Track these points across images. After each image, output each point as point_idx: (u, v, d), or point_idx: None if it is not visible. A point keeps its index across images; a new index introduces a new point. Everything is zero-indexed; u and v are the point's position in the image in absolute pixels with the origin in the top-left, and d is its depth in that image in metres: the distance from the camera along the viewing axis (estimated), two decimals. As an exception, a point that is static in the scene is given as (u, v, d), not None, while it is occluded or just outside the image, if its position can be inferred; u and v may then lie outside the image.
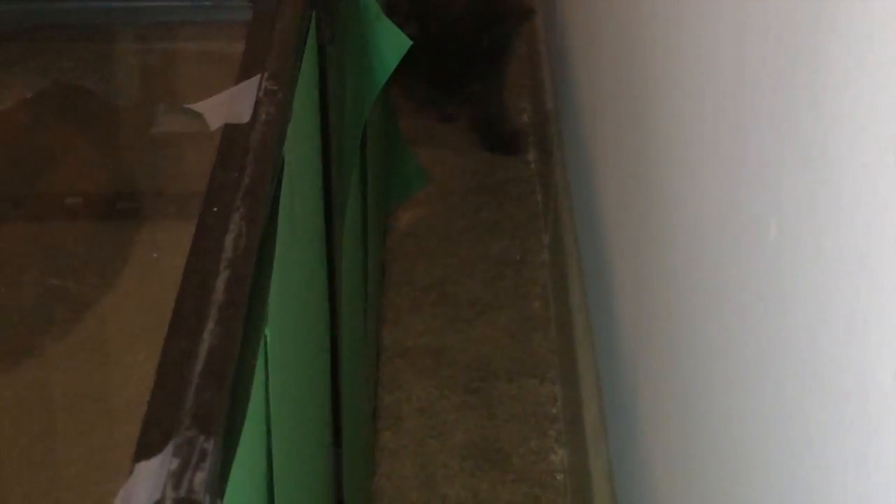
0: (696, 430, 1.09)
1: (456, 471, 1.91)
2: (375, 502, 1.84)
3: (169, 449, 0.72)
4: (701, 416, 1.06)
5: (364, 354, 1.75)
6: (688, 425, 1.12)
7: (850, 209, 0.68)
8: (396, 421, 2.02)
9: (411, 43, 1.49)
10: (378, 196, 2.03)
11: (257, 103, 1.04)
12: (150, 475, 0.71)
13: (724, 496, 0.97)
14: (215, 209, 0.93)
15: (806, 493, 0.75)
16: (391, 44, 1.50)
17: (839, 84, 0.70)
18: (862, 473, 0.65)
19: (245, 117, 1.03)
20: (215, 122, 1.05)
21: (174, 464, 0.71)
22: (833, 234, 0.71)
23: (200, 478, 0.70)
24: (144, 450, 0.73)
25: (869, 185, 0.65)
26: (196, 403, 0.75)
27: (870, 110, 0.65)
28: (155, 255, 1.04)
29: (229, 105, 1.06)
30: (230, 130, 1.02)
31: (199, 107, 1.08)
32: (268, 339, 0.88)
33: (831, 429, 0.70)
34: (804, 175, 0.76)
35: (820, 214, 0.73)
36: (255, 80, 1.07)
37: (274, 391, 0.89)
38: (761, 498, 0.86)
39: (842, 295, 0.69)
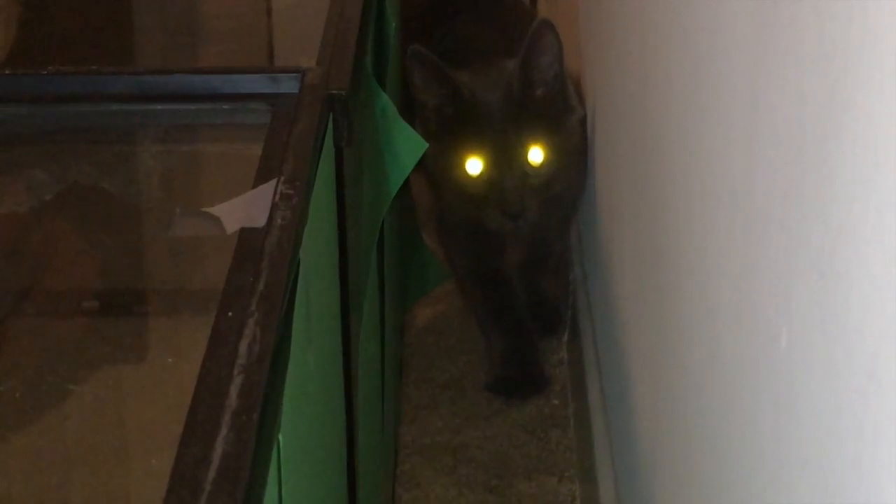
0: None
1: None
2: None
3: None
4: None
5: (381, 453, 1.75)
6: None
7: (859, 323, 0.68)
8: (414, 520, 2.02)
9: (427, 145, 1.51)
10: (395, 294, 2.04)
11: (273, 207, 1.05)
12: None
13: None
14: (230, 314, 0.94)
15: None
16: (408, 146, 1.52)
17: (846, 197, 0.70)
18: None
19: (261, 221, 1.04)
20: (232, 225, 1.06)
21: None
22: (843, 347, 0.71)
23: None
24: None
25: (878, 300, 0.65)
26: (208, 512, 0.76)
27: (876, 224, 0.65)
28: (169, 358, 1.04)
29: (246, 209, 1.07)
30: (246, 234, 1.03)
31: (216, 210, 1.09)
32: (281, 444, 0.88)
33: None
34: (814, 286, 0.76)
35: (830, 326, 0.73)
36: (272, 183, 1.08)
37: (287, 497, 0.89)
38: None
39: (852, 408, 0.69)
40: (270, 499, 0.84)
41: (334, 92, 1.25)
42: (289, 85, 1.27)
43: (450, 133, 2.06)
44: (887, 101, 0.63)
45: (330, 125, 1.24)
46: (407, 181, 1.61)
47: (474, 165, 2.03)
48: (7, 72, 1.33)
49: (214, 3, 1.75)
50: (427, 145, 1.52)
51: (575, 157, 2.10)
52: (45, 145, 1.29)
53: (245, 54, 1.56)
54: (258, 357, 0.89)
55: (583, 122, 2.11)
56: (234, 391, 0.85)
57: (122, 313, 1.17)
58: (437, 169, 2.11)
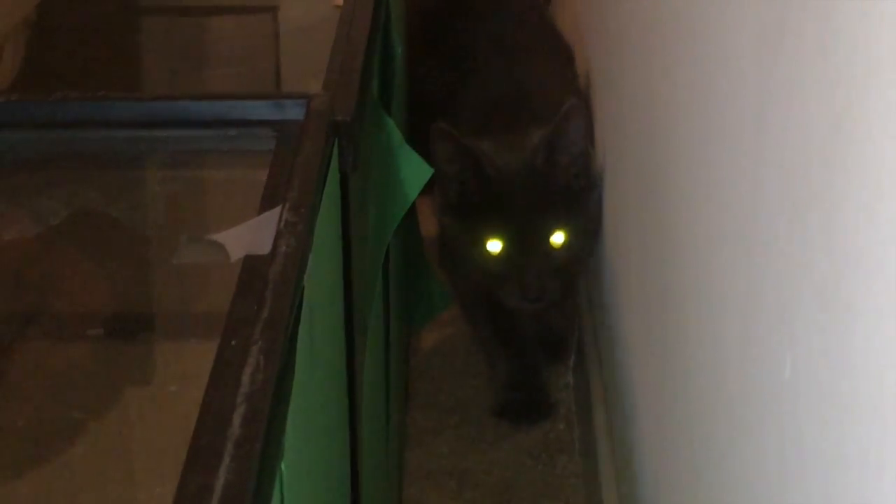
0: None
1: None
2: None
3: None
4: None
5: (386, 478, 1.74)
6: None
7: (862, 354, 0.68)
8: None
9: (433, 171, 1.51)
10: (400, 318, 2.04)
11: (278, 234, 1.05)
12: None
13: None
14: (233, 342, 0.94)
15: None
16: (413, 172, 1.52)
17: (851, 227, 0.70)
18: None
19: (266, 248, 1.04)
20: (236, 252, 1.06)
21: None
22: (847, 377, 0.71)
23: None
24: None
25: (881, 330, 0.65)
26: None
27: (880, 255, 0.65)
28: (173, 387, 1.04)
29: (250, 235, 1.07)
30: (250, 261, 1.03)
31: (220, 237, 1.09)
32: (284, 473, 0.88)
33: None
34: (818, 316, 0.76)
35: (833, 356, 0.73)
36: (276, 210, 1.08)
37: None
38: None
39: (856, 438, 0.69)
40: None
41: (339, 118, 1.25)
42: (294, 111, 1.28)
43: (471, 209, 2.00)
44: (891, 133, 0.63)
45: (335, 151, 1.24)
46: (413, 207, 1.61)
47: (495, 245, 1.97)
48: (14, 97, 1.33)
49: (221, 28, 1.75)
50: (433, 171, 1.52)
51: (593, 231, 2.03)
52: (51, 171, 1.29)
53: (251, 80, 1.56)
54: (261, 385, 0.89)
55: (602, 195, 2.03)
56: (237, 420, 0.85)
57: (127, 339, 1.17)
58: (455, 242, 2.07)
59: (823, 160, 0.75)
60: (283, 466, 0.88)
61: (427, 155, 1.89)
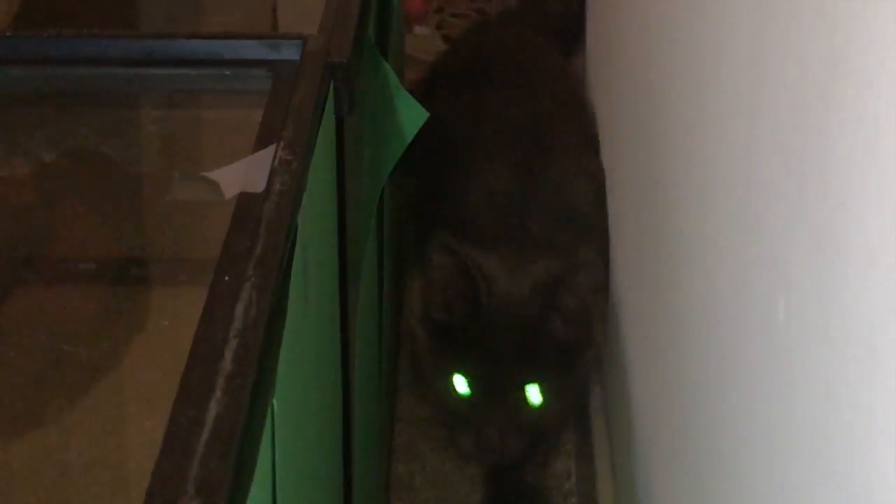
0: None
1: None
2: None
3: (172, 521, 0.72)
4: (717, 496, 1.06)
5: (378, 423, 1.75)
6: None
7: (856, 294, 0.68)
8: (410, 492, 2.02)
9: (428, 115, 1.49)
10: (394, 266, 2.03)
11: (272, 173, 1.04)
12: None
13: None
14: (227, 278, 0.94)
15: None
16: (409, 116, 1.51)
17: (846, 167, 0.70)
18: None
19: (260, 186, 1.03)
20: (230, 190, 1.06)
21: (177, 535, 0.71)
22: (840, 318, 0.71)
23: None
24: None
25: (875, 271, 0.65)
26: (201, 473, 0.75)
27: (875, 195, 0.65)
28: (165, 322, 1.04)
29: (245, 174, 1.06)
30: (244, 199, 1.03)
31: (214, 175, 1.08)
32: (275, 409, 0.88)
33: (845, 465, 0.70)
34: (812, 257, 0.76)
35: (827, 297, 0.73)
36: (271, 149, 1.08)
37: (281, 462, 0.89)
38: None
39: (848, 377, 0.69)
40: (264, 463, 0.84)
41: (335, 60, 1.24)
42: (290, 52, 1.27)
43: (448, 333, 1.74)
44: (889, 69, 0.63)
45: (331, 93, 1.23)
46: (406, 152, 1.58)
47: (461, 384, 1.71)
48: (8, 34, 1.32)
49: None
50: (428, 115, 1.50)
51: (580, 397, 1.81)
52: (44, 108, 1.28)
53: (247, 21, 1.55)
54: (254, 321, 0.89)
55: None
56: (228, 354, 0.85)
57: (120, 278, 1.17)
58: (423, 364, 1.80)
59: (821, 98, 0.74)
60: (274, 402, 0.88)
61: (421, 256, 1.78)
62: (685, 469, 1.18)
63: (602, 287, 1.73)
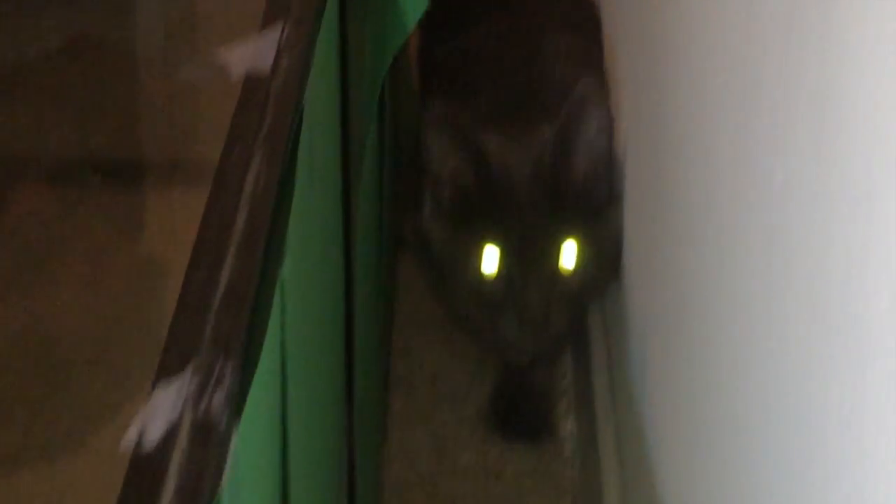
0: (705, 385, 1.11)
1: (467, 439, 1.93)
2: (387, 467, 1.86)
3: (188, 371, 0.74)
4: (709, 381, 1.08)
5: (377, 321, 1.77)
6: (697, 391, 1.15)
7: (852, 153, 0.70)
8: (409, 388, 2.04)
9: (428, 2, 1.46)
10: (395, 153, 2.04)
11: (278, 52, 1.06)
12: (169, 397, 0.73)
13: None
14: (236, 150, 0.96)
15: (803, 428, 0.77)
16: (412, 2, 1.51)
17: (844, 26, 0.71)
18: (858, 400, 0.68)
19: (266, 66, 1.05)
20: (237, 70, 1.07)
21: (193, 385, 0.73)
22: (836, 178, 0.73)
23: (219, 399, 0.72)
24: (164, 372, 0.75)
25: (872, 131, 0.67)
26: (215, 329, 0.78)
27: (873, 54, 0.67)
28: (177, 191, 1.06)
29: (251, 53, 1.08)
30: (251, 78, 1.05)
31: (221, 55, 1.10)
32: (285, 277, 0.90)
33: (830, 355, 0.72)
34: (810, 120, 0.78)
35: (824, 158, 0.75)
36: (278, 28, 1.09)
37: (289, 327, 0.92)
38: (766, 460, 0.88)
39: (842, 230, 0.71)
40: (274, 324, 0.86)
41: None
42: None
43: (465, 213, 1.64)
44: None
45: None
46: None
47: (491, 259, 1.61)
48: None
49: None
50: (428, 2, 1.48)
51: (614, 259, 1.67)
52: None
53: None
54: (264, 189, 0.91)
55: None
56: (240, 220, 0.87)
57: (126, 161, 1.19)
58: (443, 259, 1.68)
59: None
60: (283, 268, 0.90)
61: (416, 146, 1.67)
62: (683, 353, 1.21)
63: (605, 111, 1.64)
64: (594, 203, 1.62)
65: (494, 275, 1.60)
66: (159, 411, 0.71)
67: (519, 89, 1.75)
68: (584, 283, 1.61)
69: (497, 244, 1.59)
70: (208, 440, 0.69)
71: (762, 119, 0.89)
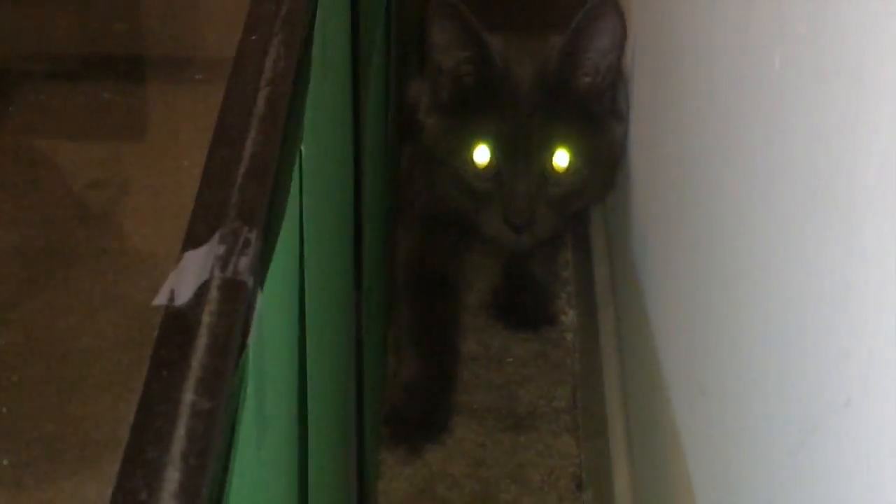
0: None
1: (469, 327, 1.98)
2: (392, 350, 1.90)
3: (215, 238, 0.79)
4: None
5: (384, 187, 1.79)
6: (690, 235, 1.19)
7: (844, 32, 0.74)
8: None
9: None
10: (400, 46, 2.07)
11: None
12: (198, 260, 0.77)
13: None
14: (254, 37, 1.00)
15: (799, 298, 0.82)
16: None
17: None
18: (852, 265, 0.72)
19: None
20: None
21: (220, 250, 0.78)
22: (832, 61, 0.77)
23: (245, 262, 0.77)
24: (192, 240, 0.79)
25: (863, 8, 0.71)
26: (240, 199, 0.82)
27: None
28: (199, 76, 1.10)
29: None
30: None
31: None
32: (303, 154, 0.94)
33: (826, 224, 0.76)
34: (807, 7, 0.81)
35: (821, 42, 0.79)
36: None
37: (307, 197, 0.96)
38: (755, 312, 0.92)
39: (836, 108, 0.75)
40: (293, 198, 0.90)
41: None
42: None
43: (463, 107, 1.64)
44: None
45: None
46: None
47: (482, 153, 1.62)
48: None
49: None
50: None
51: (609, 169, 1.67)
52: None
53: None
54: (283, 71, 0.94)
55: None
56: (261, 100, 0.91)
57: (142, 56, 1.22)
58: (436, 148, 1.69)
59: None
60: (302, 148, 0.94)
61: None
62: (683, 237, 1.25)
63: (622, 26, 1.60)
64: (595, 113, 1.62)
65: (484, 168, 1.62)
66: (189, 272, 0.75)
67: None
68: (573, 186, 1.62)
69: (489, 142, 1.60)
70: (236, 298, 0.73)
71: (761, 9, 0.92)
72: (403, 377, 1.82)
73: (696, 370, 1.15)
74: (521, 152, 1.60)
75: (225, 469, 0.69)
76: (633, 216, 1.58)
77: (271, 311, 0.80)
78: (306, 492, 0.97)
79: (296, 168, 0.93)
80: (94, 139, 1.12)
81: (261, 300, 0.76)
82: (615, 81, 1.63)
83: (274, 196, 0.85)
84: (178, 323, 0.72)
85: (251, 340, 0.74)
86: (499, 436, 1.80)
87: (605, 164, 1.66)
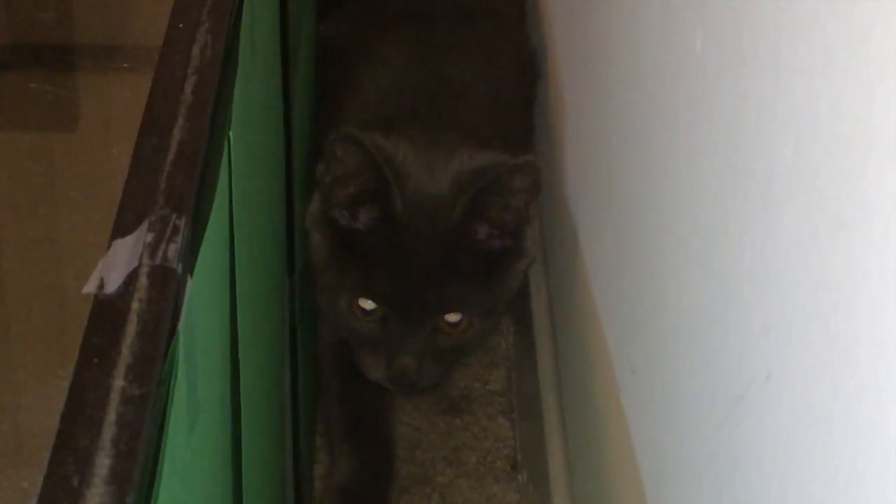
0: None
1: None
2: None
3: (144, 226, 0.79)
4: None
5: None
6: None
7: (761, 13, 0.75)
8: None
9: None
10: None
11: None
12: (127, 248, 0.78)
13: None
14: (181, 25, 1.00)
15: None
16: None
17: None
18: (768, 242, 0.74)
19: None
20: None
21: (149, 237, 0.78)
22: (750, 41, 0.78)
23: (173, 249, 0.77)
24: (121, 228, 0.80)
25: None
26: (168, 187, 0.82)
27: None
28: (126, 64, 1.10)
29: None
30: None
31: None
32: (232, 140, 0.95)
33: (739, 204, 0.78)
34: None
35: (739, 23, 0.80)
36: None
37: (237, 190, 0.97)
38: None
39: (755, 87, 0.76)
40: (222, 186, 0.91)
41: None
42: None
43: (352, 250, 1.45)
44: None
45: None
46: None
47: (369, 303, 1.45)
48: None
49: None
50: None
51: (503, 311, 1.55)
52: None
53: None
54: (210, 60, 0.95)
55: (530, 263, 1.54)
56: (188, 88, 0.92)
57: (71, 42, 1.22)
58: (320, 274, 1.49)
59: None
60: (230, 134, 0.94)
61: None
62: (612, 213, 1.27)
63: (537, 186, 1.45)
64: (496, 262, 1.46)
65: (369, 313, 1.45)
66: (118, 260, 0.76)
67: (437, 99, 1.56)
68: (464, 339, 1.48)
69: (378, 299, 1.44)
70: (165, 284, 0.74)
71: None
72: (337, 479, 1.61)
73: (627, 349, 1.16)
74: (411, 314, 1.43)
75: (157, 454, 0.70)
76: (565, 201, 1.60)
77: (201, 298, 0.80)
78: (240, 476, 0.98)
79: (224, 154, 0.93)
80: (23, 129, 1.12)
81: (190, 286, 0.77)
82: (522, 226, 1.49)
83: (202, 183, 0.86)
84: (108, 310, 0.73)
85: (181, 326, 0.74)
86: (434, 419, 1.81)
87: (502, 309, 1.53)
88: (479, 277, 1.43)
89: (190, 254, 0.79)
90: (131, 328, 0.71)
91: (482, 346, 1.69)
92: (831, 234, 0.64)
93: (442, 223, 1.41)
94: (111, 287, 0.74)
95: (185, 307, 0.75)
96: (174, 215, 0.80)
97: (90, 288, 0.73)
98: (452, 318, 1.44)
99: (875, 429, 0.60)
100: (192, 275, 0.78)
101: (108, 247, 0.78)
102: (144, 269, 0.75)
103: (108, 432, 0.65)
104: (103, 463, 0.64)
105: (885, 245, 0.58)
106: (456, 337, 1.46)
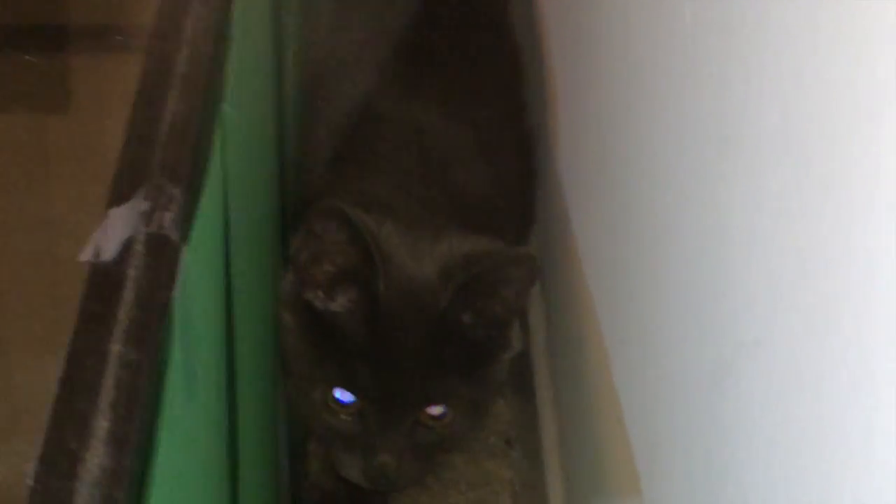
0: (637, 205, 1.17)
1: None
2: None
3: (140, 195, 0.80)
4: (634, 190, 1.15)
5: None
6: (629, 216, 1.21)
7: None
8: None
9: None
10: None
11: None
12: (123, 216, 0.79)
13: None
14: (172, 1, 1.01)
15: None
16: None
17: None
18: (754, 210, 0.75)
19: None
20: None
21: (145, 206, 0.79)
22: (738, 11, 0.79)
23: (169, 217, 0.78)
24: (117, 197, 0.81)
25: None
26: (163, 157, 0.83)
27: None
28: (119, 37, 1.10)
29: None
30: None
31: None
32: (225, 111, 0.95)
33: (727, 173, 0.79)
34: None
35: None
36: None
37: (230, 161, 0.97)
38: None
39: (742, 58, 0.77)
40: (216, 157, 0.92)
41: None
42: None
43: (328, 337, 1.28)
44: None
45: None
46: None
47: (345, 395, 1.28)
48: None
49: None
50: None
51: (488, 405, 1.40)
52: None
53: None
54: (203, 31, 0.96)
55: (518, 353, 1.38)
56: (181, 61, 0.92)
57: (65, 21, 1.22)
58: (290, 358, 1.31)
59: None
60: (224, 105, 0.95)
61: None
62: (604, 183, 1.27)
63: (532, 280, 1.32)
64: (482, 355, 1.32)
65: (347, 407, 1.29)
66: (114, 228, 0.77)
67: (426, 178, 1.44)
68: (444, 435, 1.33)
69: (355, 391, 1.28)
70: (161, 252, 0.75)
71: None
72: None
73: (617, 321, 1.17)
74: (391, 407, 1.29)
75: (154, 419, 0.70)
76: (556, 174, 1.60)
77: (197, 266, 0.81)
78: (237, 443, 0.99)
79: (218, 125, 0.94)
80: (18, 106, 1.13)
81: (186, 254, 0.78)
82: (510, 323, 1.35)
83: (196, 153, 0.87)
84: (105, 277, 0.74)
85: (177, 293, 0.75)
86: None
87: (488, 408, 1.40)
88: (464, 369, 1.30)
89: (185, 222, 0.80)
90: (128, 294, 0.72)
91: (463, 447, 1.57)
92: (819, 200, 0.65)
93: (427, 310, 1.27)
94: (108, 254, 0.75)
95: (180, 275, 0.76)
96: (169, 184, 0.80)
97: (87, 256, 0.74)
98: (435, 410, 1.30)
99: (861, 390, 0.61)
100: (187, 243, 0.79)
101: (104, 216, 0.79)
102: (140, 237, 0.76)
103: (107, 396, 0.66)
104: (101, 425, 0.65)
105: (870, 210, 0.59)
106: (438, 432, 1.32)
